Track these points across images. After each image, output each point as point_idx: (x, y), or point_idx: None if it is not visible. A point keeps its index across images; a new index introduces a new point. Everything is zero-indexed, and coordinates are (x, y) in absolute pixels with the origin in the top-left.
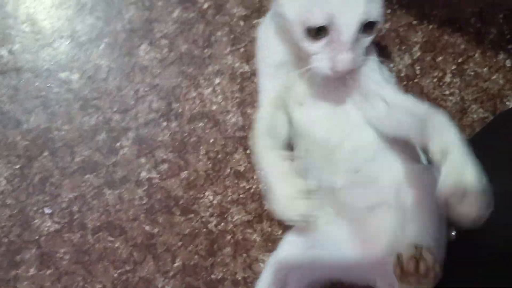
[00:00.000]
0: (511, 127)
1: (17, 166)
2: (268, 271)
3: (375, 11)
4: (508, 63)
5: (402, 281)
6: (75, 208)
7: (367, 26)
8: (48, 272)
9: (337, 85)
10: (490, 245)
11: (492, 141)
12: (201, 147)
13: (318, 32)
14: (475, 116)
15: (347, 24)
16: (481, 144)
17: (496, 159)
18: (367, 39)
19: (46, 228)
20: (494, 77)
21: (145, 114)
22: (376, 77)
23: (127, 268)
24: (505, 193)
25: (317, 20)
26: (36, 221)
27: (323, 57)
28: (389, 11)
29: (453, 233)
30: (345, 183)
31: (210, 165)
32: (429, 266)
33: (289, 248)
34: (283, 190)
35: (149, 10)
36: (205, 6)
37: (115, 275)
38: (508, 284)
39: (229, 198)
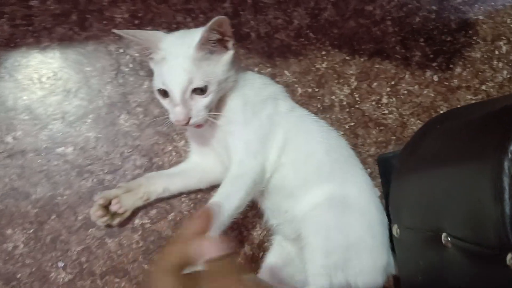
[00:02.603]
0: (434, 130)
1: (31, 231)
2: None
3: (199, 81)
4: (435, 78)
5: None
6: (83, 259)
7: (199, 90)
8: None
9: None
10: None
11: (419, 145)
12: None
13: (165, 93)
14: (414, 127)
15: (173, 88)
16: (412, 148)
17: (422, 158)
18: (205, 99)
19: (61, 280)
20: (425, 92)
21: (131, 171)
22: (230, 117)
23: None
24: (425, 184)
25: (158, 85)
26: (52, 274)
27: (170, 111)
28: (323, 52)
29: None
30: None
31: (192, 205)
32: None
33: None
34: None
35: (123, 85)
36: None
37: None
38: None
39: None
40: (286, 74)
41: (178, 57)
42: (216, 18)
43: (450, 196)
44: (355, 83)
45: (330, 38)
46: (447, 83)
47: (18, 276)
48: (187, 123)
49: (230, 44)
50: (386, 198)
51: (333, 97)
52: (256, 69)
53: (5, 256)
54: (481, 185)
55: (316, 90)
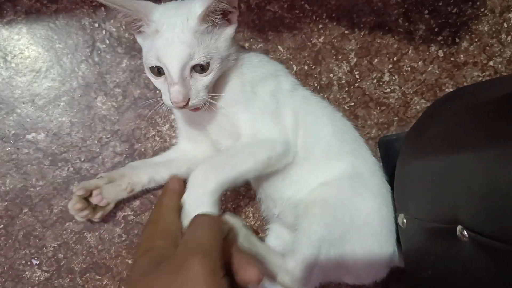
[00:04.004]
0: (444, 111)
1: (1, 227)
2: None
3: (201, 56)
4: (440, 53)
5: None
6: (60, 255)
7: (200, 68)
8: None
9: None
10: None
11: (427, 128)
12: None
13: (158, 71)
14: (418, 107)
15: (171, 64)
16: (419, 131)
17: (430, 141)
18: (206, 78)
19: (36, 278)
20: (429, 68)
21: (111, 159)
22: (230, 98)
23: None
24: (436, 170)
25: (151, 61)
26: (26, 273)
27: (165, 91)
28: (320, 25)
29: None
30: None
31: None
32: None
33: None
34: None
35: (99, 64)
36: None
37: None
38: None
39: None
40: (280, 50)
41: (176, 28)
42: None
43: (468, 185)
44: (355, 60)
45: (327, 10)
46: (453, 59)
47: None
48: (186, 104)
49: (234, 17)
50: (388, 183)
51: (331, 75)
52: (246, 44)
53: None
54: (507, 173)
55: (313, 67)
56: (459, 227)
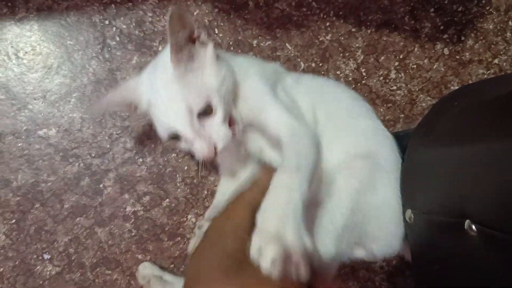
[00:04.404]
0: (451, 108)
1: (13, 221)
2: None
3: (198, 101)
4: (446, 51)
5: None
6: (71, 250)
7: (205, 112)
8: None
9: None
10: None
11: (434, 124)
12: (177, 176)
13: (176, 136)
14: (424, 104)
15: (180, 125)
16: (426, 128)
17: (438, 137)
18: (216, 117)
19: (48, 273)
20: (435, 66)
21: (121, 154)
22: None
23: None
24: (444, 165)
25: (164, 134)
26: (37, 267)
27: (193, 150)
28: (327, 23)
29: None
30: None
31: (188, 190)
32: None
33: None
34: None
35: (110, 61)
36: (160, 48)
37: None
38: None
39: None
40: (288, 47)
41: (161, 90)
42: (170, 12)
43: (476, 178)
44: (362, 57)
45: (334, 8)
46: (458, 57)
47: (0, 270)
48: (216, 152)
49: (203, 36)
50: None
51: (338, 72)
52: (255, 41)
53: None
54: None
55: (320, 64)
56: (467, 221)
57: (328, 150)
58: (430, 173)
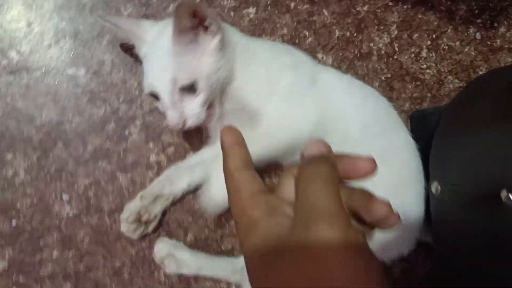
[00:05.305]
0: (482, 90)
1: (34, 158)
2: None
3: (185, 78)
4: (478, 36)
5: None
6: (90, 194)
7: (187, 88)
8: (70, 254)
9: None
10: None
11: (472, 102)
12: (203, 131)
13: (155, 96)
14: (451, 86)
15: (161, 90)
16: (457, 109)
17: (478, 116)
18: (197, 98)
19: (65, 214)
20: (466, 49)
21: (149, 103)
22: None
23: (143, 245)
24: (487, 142)
25: (146, 89)
26: (55, 207)
27: (166, 118)
28: None
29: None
30: None
31: None
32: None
33: None
34: None
35: (146, 6)
36: None
37: (133, 252)
38: None
39: None
40: (324, 14)
41: (158, 51)
42: (180, 3)
43: None
44: (396, 32)
45: None
46: (489, 43)
47: (18, 206)
48: (183, 126)
49: (213, 27)
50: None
51: (372, 44)
52: (293, 4)
53: (3, 183)
54: None
55: (355, 35)
56: (503, 192)
57: None
58: (467, 150)
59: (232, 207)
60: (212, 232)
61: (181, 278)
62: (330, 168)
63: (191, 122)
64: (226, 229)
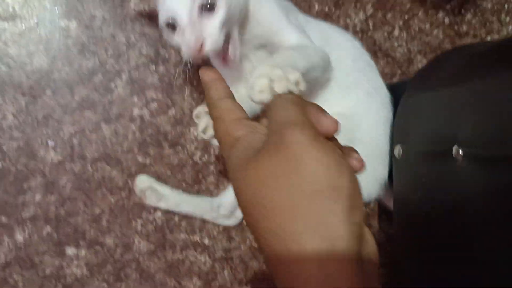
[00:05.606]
0: (444, 60)
1: (23, 103)
2: None
3: None
4: (446, 20)
5: None
6: (75, 141)
7: (206, 7)
8: (52, 198)
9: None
10: None
11: (435, 69)
12: (186, 88)
13: (173, 27)
14: (419, 65)
15: (177, 10)
16: (420, 77)
17: (438, 78)
18: (216, 16)
19: (50, 159)
20: (435, 32)
21: (136, 59)
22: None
23: (123, 194)
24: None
25: (164, 17)
26: (41, 152)
27: (183, 47)
28: None
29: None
30: None
31: (194, 104)
32: None
33: None
34: None
35: None
36: None
37: (112, 201)
38: None
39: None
40: None
41: None
42: None
43: (473, 108)
44: (371, 11)
45: None
46: (456, 28)
47: (4, 148)
48: (201, 50)
49: None
50: None
51: (348, 20)
52: None
53: None
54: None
55: (333, 10)
56: (455, 147)
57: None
58: (427, 108)
59: (217, 132)
60: (190, 187)
61: (157, 228)
62: (296, 96)
63: (209, 44)
64: (202, 185)
